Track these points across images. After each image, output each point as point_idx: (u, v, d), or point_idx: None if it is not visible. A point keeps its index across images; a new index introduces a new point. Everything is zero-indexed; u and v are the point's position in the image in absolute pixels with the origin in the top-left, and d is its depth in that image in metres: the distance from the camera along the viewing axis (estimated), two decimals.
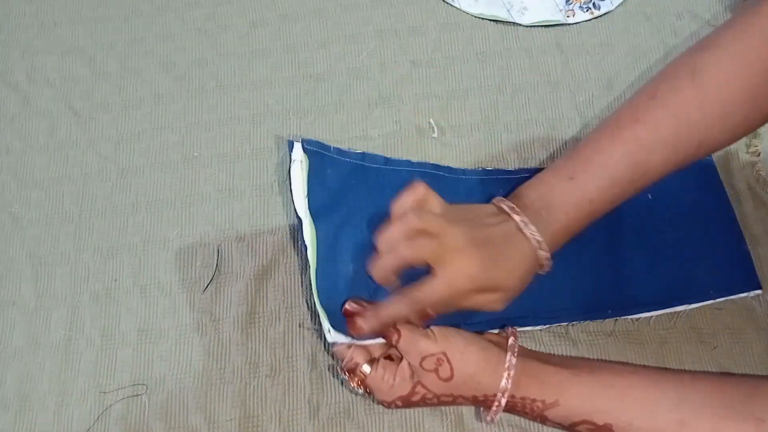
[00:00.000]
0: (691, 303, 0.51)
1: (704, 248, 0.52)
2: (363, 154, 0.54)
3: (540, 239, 0.42)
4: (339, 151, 0.54)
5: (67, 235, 0.57)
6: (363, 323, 0.43)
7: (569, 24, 0.63)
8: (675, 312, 0.51)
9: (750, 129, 0.45)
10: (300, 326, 0.52)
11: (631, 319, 0.51)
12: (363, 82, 0.62)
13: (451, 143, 0.59)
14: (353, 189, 0.52)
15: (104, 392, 0.51)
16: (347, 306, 0.44)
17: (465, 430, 0.49)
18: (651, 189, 0.53)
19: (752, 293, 0.51)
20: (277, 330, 0.52)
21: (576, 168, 0.44)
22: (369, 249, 0.44)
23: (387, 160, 0.54)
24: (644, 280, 0.51)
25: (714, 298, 0.51)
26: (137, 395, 0.51)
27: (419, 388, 0.42)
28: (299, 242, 0.53)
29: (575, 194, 0.43)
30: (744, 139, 0.58)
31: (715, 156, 0.57)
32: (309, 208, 0.50)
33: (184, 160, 0.59)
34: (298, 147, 0.52)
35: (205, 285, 0.54)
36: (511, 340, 0.44)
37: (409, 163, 0.55)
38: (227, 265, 0.55)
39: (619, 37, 0.63)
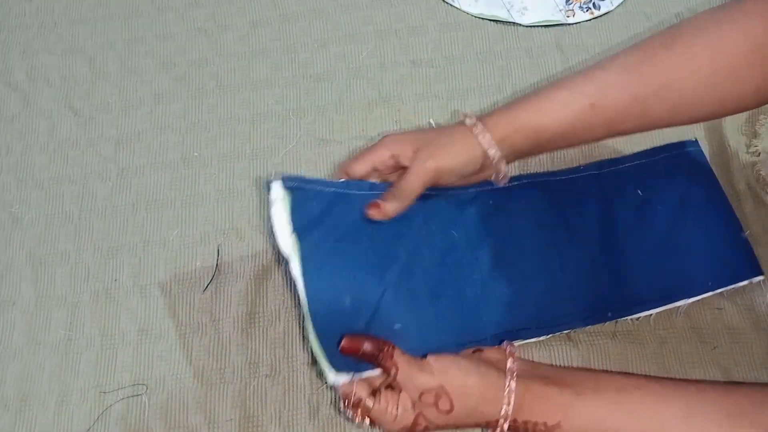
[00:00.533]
0: (692, 296, 0.50)
1: (701, 239, 0.51)
2: (347, 182, 0.48)
3: (475, 119, 0.47)
4: (321, 181, 0.48)
5: (67, 235, 0.57)
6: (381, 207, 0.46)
7: (569, 24, 0.63)
8: (676, 309, 0.50)
9: (719, 110, 0.45)
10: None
11: (632, 319, 0.51)
12: (363, 82, 0.62)
13: None
14: (340, 219, 0.47)
15: (104, 392, 0.51)
16: (344, 343, 0.43)
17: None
18: (640, 185, 0.53)
19: (755, 280, 0.50)
20: (277, 330, 0.52)
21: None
22: (361, 280, 0.45)
23: (372, 186, 0.49)
24: (643, 277, 0.50)
25: (716, 289, 0.50)
26: (137, 395, 0.51)
27: (421, 419, 0.42)
28: (288, 281, 0.53)
29: (531, 96, 0.47)
30: (744, 139, 0.58)
31: (715, 156, 0.57)
32: (298, 241, 0.46)
33: (184, 160, 0.59)
34: (277, 186, 0.46)
35: (205, 285, 0.54)
36: (509, 362, 0.44)
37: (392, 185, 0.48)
38: (227, 265, 0.55)
39: (619, 37, 0.63)
